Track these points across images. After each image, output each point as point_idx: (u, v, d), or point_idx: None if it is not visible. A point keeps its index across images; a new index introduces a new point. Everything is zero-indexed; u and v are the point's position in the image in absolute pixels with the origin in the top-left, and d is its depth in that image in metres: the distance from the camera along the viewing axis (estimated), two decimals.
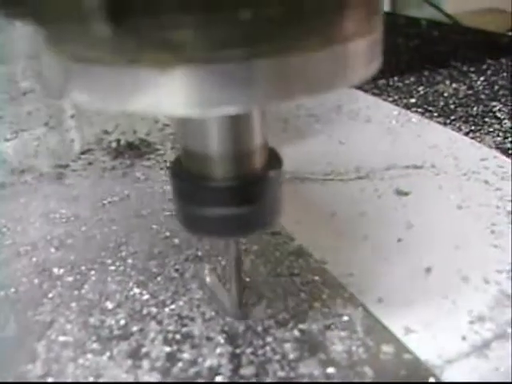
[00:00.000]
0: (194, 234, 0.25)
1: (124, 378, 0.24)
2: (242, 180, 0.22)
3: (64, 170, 0.44)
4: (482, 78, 0.61)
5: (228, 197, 0.22)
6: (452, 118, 0.51)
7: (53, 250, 0.34)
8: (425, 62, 0.67)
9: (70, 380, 0.25)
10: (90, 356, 0.26)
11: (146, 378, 0.24)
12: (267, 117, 0.22)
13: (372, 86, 0.60)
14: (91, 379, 0.24)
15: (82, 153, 0.47)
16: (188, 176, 0.22)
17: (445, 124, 0.49)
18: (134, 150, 0.46)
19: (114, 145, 0.48)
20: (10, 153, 0.48)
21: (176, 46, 0.15)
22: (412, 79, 0.62)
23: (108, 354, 0.26)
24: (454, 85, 0.60)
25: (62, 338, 0.27)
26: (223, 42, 0.15)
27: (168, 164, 0.43)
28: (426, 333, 0.26)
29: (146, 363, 0.25)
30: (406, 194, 0.38)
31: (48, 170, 0.45)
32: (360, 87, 0.60)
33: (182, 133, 0.22)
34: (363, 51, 0.18)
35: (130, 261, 0.32)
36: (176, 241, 0.33)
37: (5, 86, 0.69)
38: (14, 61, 0.80)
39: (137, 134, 0.50)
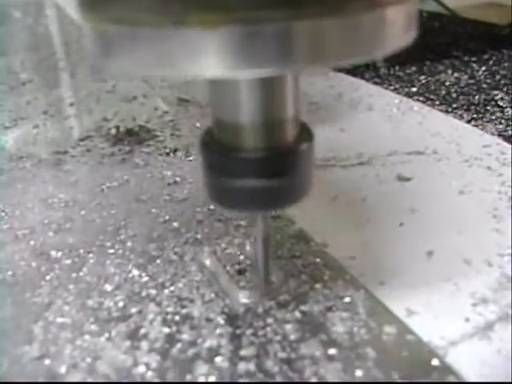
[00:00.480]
0: (223, 207, 0.24)
1: (122, 359, 0.24)
2: (272, 151, 0.21)
3: (63, 157, 0.44)
4: (483, 68, 0.61)
5: (258, 168, 0.21)
6: (454, 106, 0.50)
7: (51, 233, 0.33)
8: (426, 53, 0.66)
9: (67, 360, 0.24)
10: (87, 337, 0.25)
11: (145, 359, 0.24)
12: (300, 89, 0.22)
13: (373, 75, 0.59)
14: (89, 360, 0.24)
15: (81, 140, 0.47)
16: (218, 147, 0.22)
17: (446, 112, 0.49)
18: (133, 136, 0.46)
19: (113, 131, 0.47)
20: (9, 140, 0.48)
21: (220, 7, 0.15)
22: (413, 69, 0.62)
23: (106, 335, 0.25)
24: (456, 74, 0.59)
25: (59, 320, 0.27)
26: (267, 3, 0.15)
27: (167, 150, 0.43)
28: (429, 314, 0.26)
29: (144, 344, 0.25)
30: (408, 179, 0.37)
31: (46, 157, 0.44)
32: (361, 76, 0.59)
33: (215, 102, 0.22)
34: (400, 20, 0.18)
35: (129, 244, 0.32)
36: (175, 224, 0.33)
37: (4, 78, 0.69)
38: (13, 53, 0.80)
39: (136, 121, 0.49)
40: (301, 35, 0.16)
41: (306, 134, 0.23)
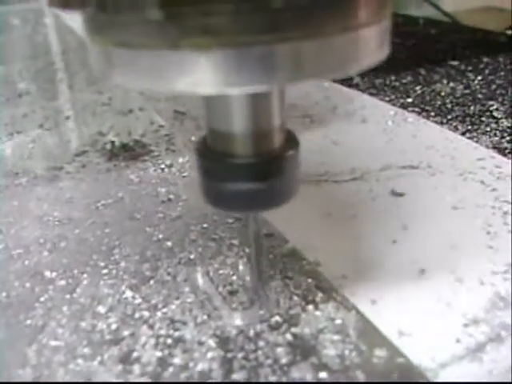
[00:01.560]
0: (217, 208, 0.26)
1: (114, 382, 0.24)
2: (260, 158, 0.24)
3: (58, 172, 0.44)
4: (479, 77, 0.61)
5: (247, 173, 0.24)
6: (449, 117, 0.51)
7: (46, 253, 0.34)
8: (422, 61, 0.67)
9: None
10: (80, 361, 0.26)
11: None
12: (285, 102, 0.24)
13: (369, 86, 0.60)
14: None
15: (77, 155, 0.47)
16: (211, 154, 0.24)
17: (441, 124, 0.49)
18: (128, 151, 0.46)
19: (108, 146, 0.48)
20: (5, 155, 0.48)
21: (212, 32, 0.17)
22: (409, 78, 0.62)
23: (99, 358, 0.26)
24: (451, 84, 0.59)
25: (53, 343, 0.27)
26: (253, 28, 0.17)
27: (163, 166, 0.43)
28: (420, 335, 0.26)
29: (136, 368, 0.25)
30: (401, 194, 0.38)
31: (42, 173, 0.44)
32: (357, 87, 0.59)
33: (208, 114, 0.24)
34: (373, 39, 0.20)
35: (122, 264, 0.32)
36: (169, 244, 0.33)
37: (1, 88, 0.69)
38: (11, 62, 0.80)
39: (131, 136, 0.49)
40: (283, 56, 0.18)
41: (292, 141, 0.25)
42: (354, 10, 0.18)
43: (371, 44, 0.20)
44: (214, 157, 0.24)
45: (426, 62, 0.67)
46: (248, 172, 0.24)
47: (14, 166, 0.46)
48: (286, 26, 0.18)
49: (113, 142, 0.48)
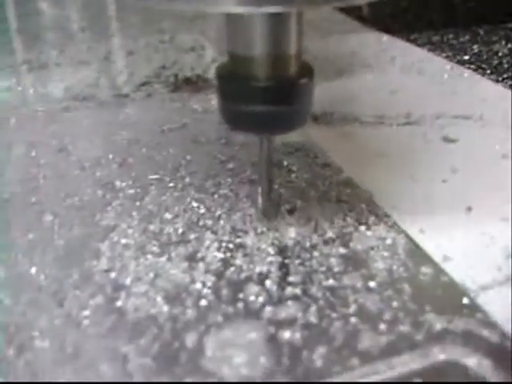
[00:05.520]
0: (235, 128, 0.29)
1: (181, 277, 0.27)
2: (276, 81, 0.26)
3: (124, 99, 0.46)
4: None
5: (264, 95, 0.26)
6: (505, 76, 0.51)
7: (115, 166, 0.36)
8: (481, 22, 0.67)
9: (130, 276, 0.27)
10: (150, 256, 0.28)
11: (202, 279, 0.26)
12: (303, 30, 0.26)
13: (425, 42, 0.60)
14: (151, 275, 0.27)
15: (141, 85, 0.49)
16: (231, 76, 0.26)
17: (497, 81, 0.50)
18: (191, 84, 0.48)
19: (171, 79, 0.50)
20: (72, 81, 0.51)
21: None
22: (467, 37, 0.62)
23: (166, 256, 0.28)
24: (510, 45, 0.60)
25: (123, 241, 0.29)
26: None
27: None
28: (463, 261, 0.28)
29: (201, 265, 0.27)
30: (453, 141, 0.39)
31: (108, 99, 0.47)
32: (414, 42, 0.60)
33: (230, 37, 0.26)
34: None
35: (187, 179, 0.34)
36: (231, 165, 0.35)
37: (61, 24, 0.72)
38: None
39: (194, 71, 0.51)
40: None
41: (308, 71, 0.27)
42: None
43: None
44: (232, 79, 0.26)
45: (485, 23, 0.66)
46: (264, 94, 0.26)
47: (82, 91, 0.48)
48: None
49: (176, 75, 0.50)
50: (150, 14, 0.71)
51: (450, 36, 0.63)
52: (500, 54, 0.57)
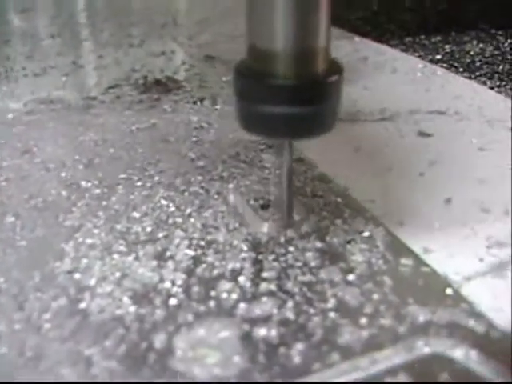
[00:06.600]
0: (252, 132, 0.25)
1: (149, 276, 0.25)
2: (303, 80, 0.22)
3: (92, 102, 0.45)
4: (509, 41, 0.61)
5: (287, 95, 0.22)
6: (477, 73, 0.51)
7: (81, 167, 0.35)
8: (452, 24, 0.66)
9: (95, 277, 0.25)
10: (116, 256, 0.27)
11: (171, 277, 0.25)
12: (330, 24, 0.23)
13: (398, 43, 0.60)
14: (118, 275, 0.25)
15: (110, 87, 0.48)
16: (250, 74, 0.23)
17: (470, 79, 0.49)
18: (161, 85, 0.47)
19: (141, 81, 0.48)
20: (39, 85, 0.49)
21: None
22: (438, 38, 0.62)
23: (134, 255, 0.27)
24: (481, 45, 0.59)
25: (89, 241, 0.28)
26: None
27: (195, 99, 0.44)
28: (445, 253, 0.27)
29: (170, 264, 0.26)
30: (429, 135, 0.38)
31: (76, 102, 0.45)
32: (386, 43, 0.60)
33: (251, 29, 0.23)
34: None
35: (156, 178, 0.33)
36: (201, 163, 0.34)
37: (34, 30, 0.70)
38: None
39: (164, 73, 0.50)
40: None
41: (336, 67, 0.24)
42: None
43: None
44: (252, 77, 0.23)
45: (456, 25, 0.66)
46: (287, 94, 0.22)
47: (49, 95, 0.47)
48: None
49: (145, 77, 0.49)
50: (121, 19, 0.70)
51: (422, 37, 0.62)
52: (472, 53, 0.57)
